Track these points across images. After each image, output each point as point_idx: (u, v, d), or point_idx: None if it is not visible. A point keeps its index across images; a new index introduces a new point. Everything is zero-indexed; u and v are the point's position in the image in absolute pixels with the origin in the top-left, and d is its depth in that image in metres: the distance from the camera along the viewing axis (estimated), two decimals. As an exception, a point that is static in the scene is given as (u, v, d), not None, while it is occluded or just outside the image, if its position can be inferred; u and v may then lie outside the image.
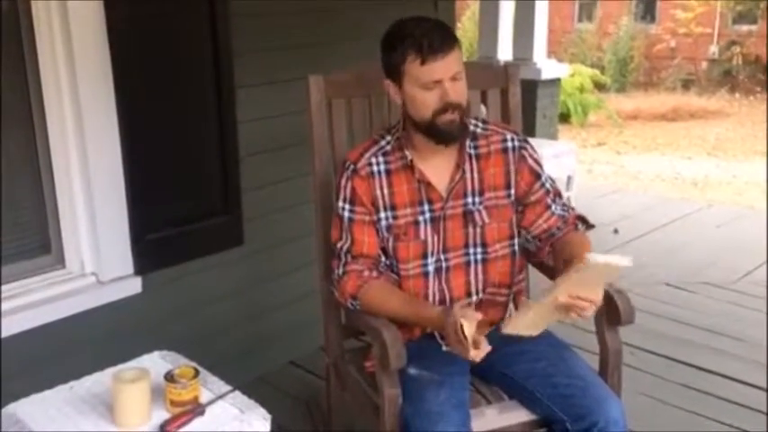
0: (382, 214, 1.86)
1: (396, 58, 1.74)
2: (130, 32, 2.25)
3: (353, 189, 1.86)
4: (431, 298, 1.89)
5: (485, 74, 2.37)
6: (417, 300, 1.88)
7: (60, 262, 2.35)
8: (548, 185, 1.92)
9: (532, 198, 1.91)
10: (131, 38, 2.25)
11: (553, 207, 1.92)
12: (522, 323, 1.66)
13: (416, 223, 1.86)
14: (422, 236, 1.87)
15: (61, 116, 2.23)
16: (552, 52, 8.58)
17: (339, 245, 1.88)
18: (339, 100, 2.13)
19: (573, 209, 1.97)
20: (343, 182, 1.88)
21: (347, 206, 1.87)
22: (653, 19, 16.53)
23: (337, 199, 1.89)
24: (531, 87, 5.92)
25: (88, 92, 2.21)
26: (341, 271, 1.87)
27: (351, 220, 1.86)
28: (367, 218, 1.86)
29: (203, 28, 2.43)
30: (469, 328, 1.57)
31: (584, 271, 1.54)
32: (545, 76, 6.27)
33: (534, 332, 1.70)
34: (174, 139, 2.43)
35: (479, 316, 1.62)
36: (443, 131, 1.76)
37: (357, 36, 2.85)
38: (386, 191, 1.86)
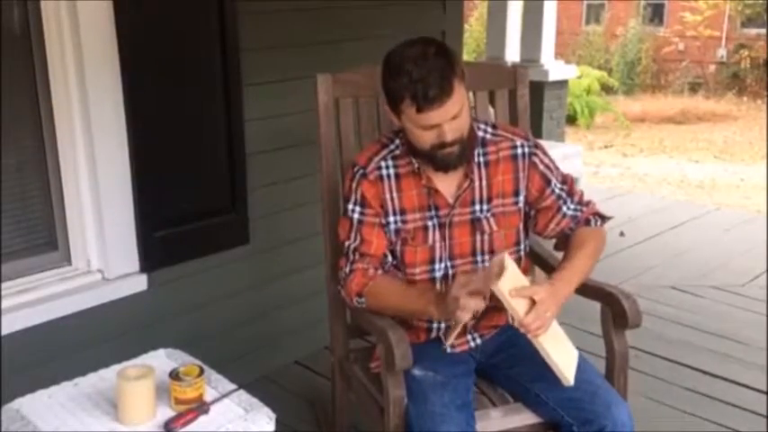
0: (391, 218, 1.86)
1: (393, 93, 1.69)
2: (139, 30, 2.24)
3: (363, 193, 1.85)
4: None
5: (493, 75, 2.36)
6: (417, 284, 1.88)
7: (67, 259, 2.35)
8: (557, 190, 1.91)
9: (543, 204, 1.91)
10: (140, 36, 2.25)
11: (564, 209, 1.91)
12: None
13: (425, 228, 1.86)
14: (429, 241, 1.86)
15: (69, 113, 2.23)
16: (560, 54, 8.57)
17: (347, 244, 1.87)
18: (347, 99, 2.13)
19: (588, 204, 1.96)
20: (353, 185, 1.87)
21: (357, 208, 1.86)
22: (661, 21, 16.50)
23: (347, 201, 1.89)
24: (538, 89, 5.93)
25: (96, 90, 2.21)
26: (348, 269, 1.86)
27: (360, 222, 1.86)
28: (376, 220, 1.85)
29: (212, 26, 2.43)
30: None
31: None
32: (552, 77, 6.27)
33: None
34: (182, 137, 2.43)
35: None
36: (441, 162, 1.77)
37: (367, 35, 2.85)
38: (395, 194, 1.85)
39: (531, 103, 2.30)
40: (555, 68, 6.35)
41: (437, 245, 1.86)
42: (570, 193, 1.93)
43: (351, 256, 1.87)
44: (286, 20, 2.66)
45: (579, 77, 10.09)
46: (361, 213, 1.85)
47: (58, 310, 2.22)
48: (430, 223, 1.86)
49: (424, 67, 1.63)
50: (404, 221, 1.86)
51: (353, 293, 1.85)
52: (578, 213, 1.92)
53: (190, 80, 2.43)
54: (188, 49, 2.41)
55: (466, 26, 12.43)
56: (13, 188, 2.23)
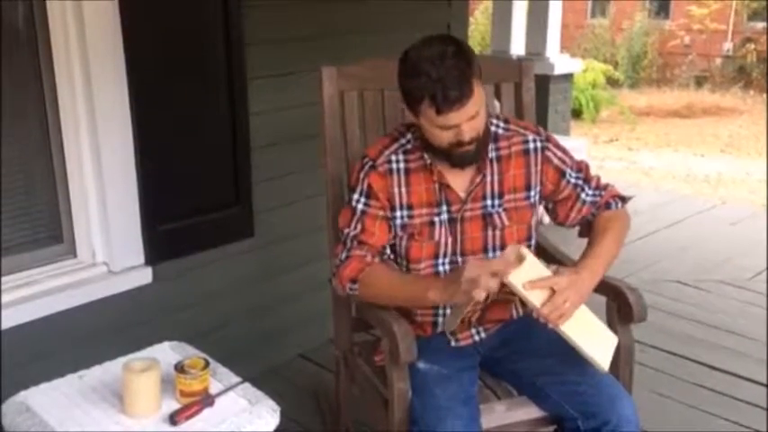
0: (398, 213, 1.84)
1: (411, 93, 1.66)
2: (143, 24, 2.24)
3: (370, 185, 1.83)
4: None
5: (499, 68, 2.36)
6: (418, 274, 1.86)
7: (72, 251, 2.35)
8: (573, 179, 1.91)
9: (561, 195, 1.91)
10: (144, 29, 2.25)
11: (583, 196, 1.91)
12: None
13: (431, 224, 1.85)
14: (436, 237, 1.85)
15: (74, 106, 2.23)
16: (565, 47, 8.51)
17: (347, 231, 1.85)
18: (352, 93, 2.12)
19: (606, 188, 1.95)
20: (361, 176, 1.85)
21: (362, 199, 1.84)
22: (667, 15, 16.41)
23: (352, 191, 1.87)
24: (543, 82, 5.88)
25: (101, 83, 2.21)
26: (343, 256, 1.83)
27: (364, 212, 1.84)
28: (381, 212, 1.83)
29: (216, 20, 2.43)
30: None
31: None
32: (558, 71, 6.24)
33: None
34: (186, 131, 2.43)
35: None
36: (458, 159, 1.76)
37: (372, 29, 2.84)
38: (403, 189, 1.83)
39: (536, 97, 2.29)
40: (560, 62, 6.32)
41: (443, 240, 1.85)
42: (587, 180, 1.93)
43: (348, 244, 1.83)
44: (290, 13, 2.66)
45: (584, 71, 10.05)
46: (366, 204, 1.84)
47: (62, 302, 2.22)
48: (437, 219, 1.84)
49: (442, 67, 1.60)
50: (410, 216, 1.84)
51: (346, 279, 1.80)
52: (597, 198, 1.92)
53: (194, 74, 2.43)
54: (193, 43, 2.41)
55: (471, 19, 12.39)
56: (18, 181, 2.23)
